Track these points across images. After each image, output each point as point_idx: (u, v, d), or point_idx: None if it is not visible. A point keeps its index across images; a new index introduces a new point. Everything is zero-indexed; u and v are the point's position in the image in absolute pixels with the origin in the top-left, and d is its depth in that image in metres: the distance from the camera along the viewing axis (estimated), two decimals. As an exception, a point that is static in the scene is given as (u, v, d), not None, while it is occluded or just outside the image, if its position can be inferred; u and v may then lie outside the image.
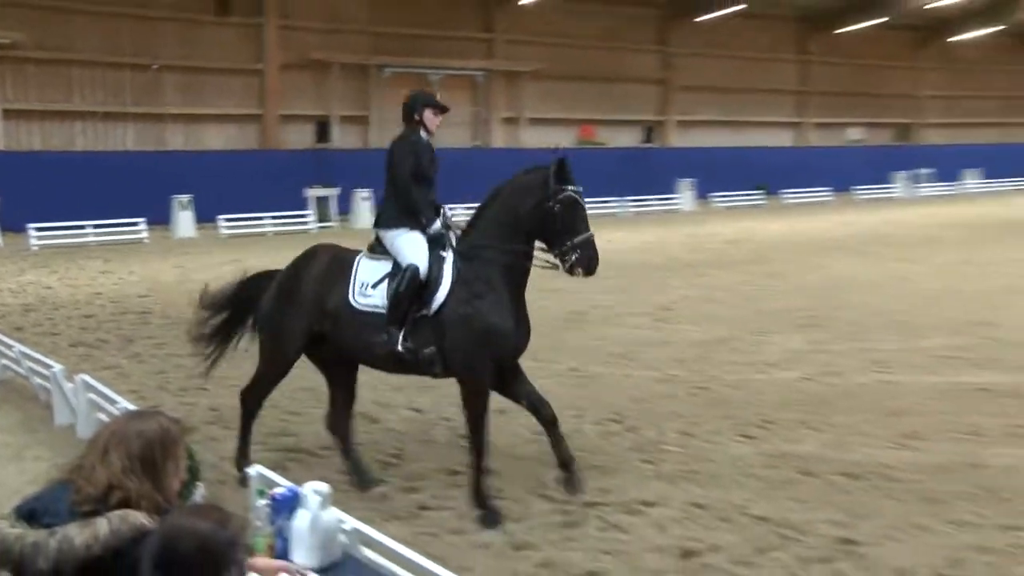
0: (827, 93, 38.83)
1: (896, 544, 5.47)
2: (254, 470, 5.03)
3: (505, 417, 7.13)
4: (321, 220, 25.53)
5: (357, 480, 6.31)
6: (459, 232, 6.12)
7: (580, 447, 6.62)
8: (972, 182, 40.09)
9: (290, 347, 6.25)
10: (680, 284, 15.42)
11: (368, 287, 5.97)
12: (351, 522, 4.38)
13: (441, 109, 6.24)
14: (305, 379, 7.35)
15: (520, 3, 30.49)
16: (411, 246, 5.94)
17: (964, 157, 41.05)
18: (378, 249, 6.11)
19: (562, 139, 32.52)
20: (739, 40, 35.63)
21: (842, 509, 5.97)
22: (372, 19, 29.02)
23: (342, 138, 28.61)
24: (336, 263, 6.18)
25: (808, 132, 38.85)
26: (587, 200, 5.88)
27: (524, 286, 5.96)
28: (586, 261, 5.71)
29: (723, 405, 8.44)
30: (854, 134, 39.53)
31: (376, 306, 5.93)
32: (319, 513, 4.07)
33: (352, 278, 6.03)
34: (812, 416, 8.01)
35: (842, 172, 36.55)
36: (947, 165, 39.86)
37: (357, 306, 5.98)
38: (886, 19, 36.81)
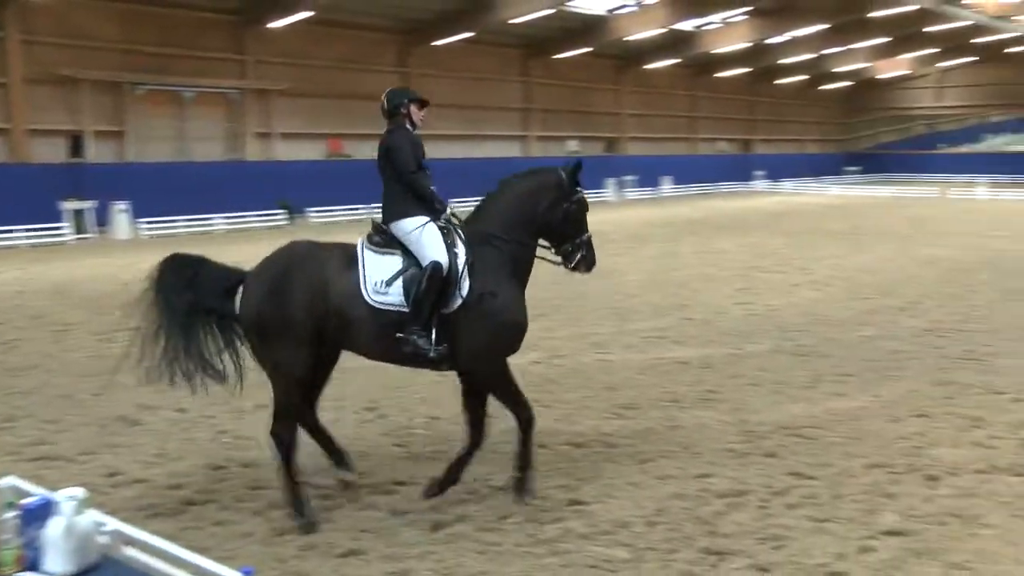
0: (548, 110, 40.54)
1: (615, 500, 5.75)
2: (4, 481, 4.51)
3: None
4: (78, 232, 23.72)
5: (335, 463, 5.80)
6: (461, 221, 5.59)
7: (341, 435, 6.48)
8: (667, 187, 43.21)
9: (306, 351, 5.14)
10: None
11: (382, 284, 5.20)
12: (111, 523, 4.04)
13: (424, 103, 5.74)
14: (60, 387, 6.72)
15: (269, 27, 29.55)
16: (429, 240, 5.30)
17: (660, 166, 44.28)
18: (379, 241, 5.38)
19: (312, 152, 32.08)
20: (471, 63, 36.43)
21: (570, 475, 6.20)
22: (123, 37, 27.06)
23: (98, 153, 26.60)
24: (335, 257, 5.27)
25: (532, 144, 40.34)
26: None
27: (527, 281, 5.61)
28: (591, 259, 5.70)
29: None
30: (572, 146, 41.47)
31: (394, 304, 5.19)
32: (74, 518, 3.71)
33: (360, 273, 5.22)
34: (544, 395, 8.26)
35: (562, 180, 38.28)
36: (647, 173, 42.82)
37: (376, 305, 5.18)
38: (592, 48, 38.95)
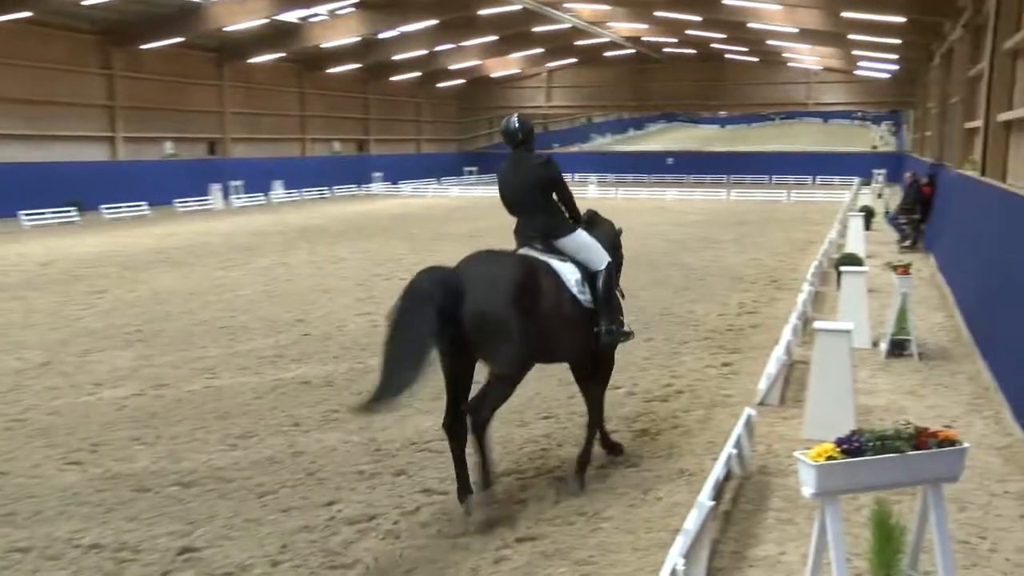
0: (137, 107, 38.06)
1: (232, 542, 5.57)
2: None
3: None
4: None
5: (482, 479, 5.96)
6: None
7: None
8: (278, 193, 42.69)
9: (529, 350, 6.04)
10: (-12, 312, 13.85)
11: (581, 284, 6.39)
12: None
13: None
14: None
15: None
16: (596, 246, 6.60)
17: (270, 169, 43.67)
18: (548, 250, 6.46)
19: None
20: (36, 49, 33.14)
21: (179, 519, 5.91)
22: None
23: None
24: (538, 265, 6.29)
25: (121, 146, 37.71)
26: None
27: None
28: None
29: (45, 435, 7.80)
30: (168, 148, 39.44)
31: (590, 301, 6.43)
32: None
33: (564, 278, 6.32)
34: (144, 431, 7.81)
35: (160, 185, 36.39)
36: (256, 177, 41.97)
37: (586, 304, 6.39)
38: (184, 39, 37.39)
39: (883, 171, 48.15)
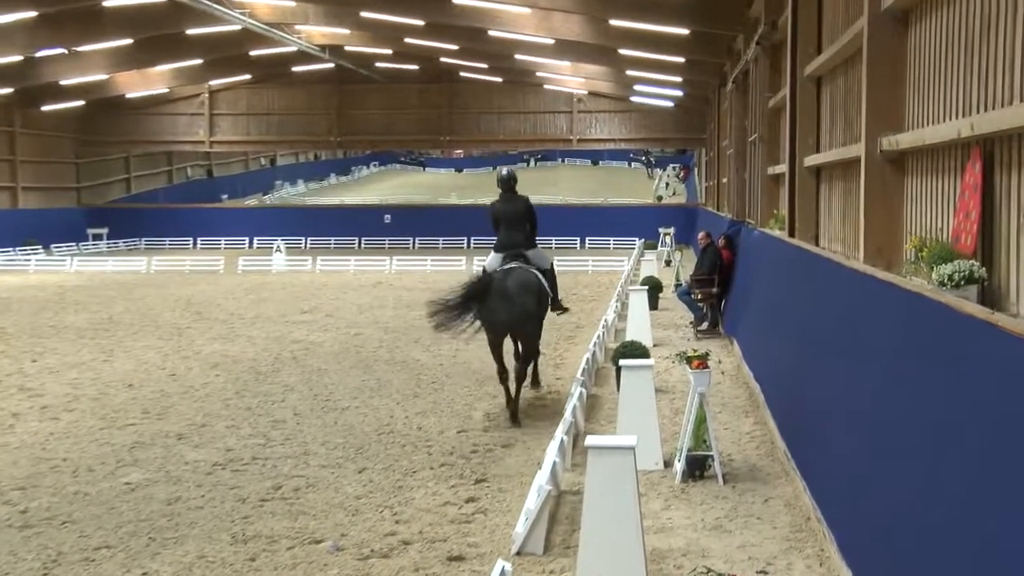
0: None
1: None
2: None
3: None
4: None
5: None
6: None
7: None
8: None
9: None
10: None
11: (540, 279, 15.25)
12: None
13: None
14: None
15: None
16: (545, 254, 16.09)
17: None
18: (517, 261, 15.10)
19: None
20: None
21: None
22: None
23: None
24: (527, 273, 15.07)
25: None
26: None
27: None
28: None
29: None
30: None
31: (550, 295, 15.71)
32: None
33: (542, 280, 15.31)
34: None
35: None
36: None
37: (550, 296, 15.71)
38: None
39: (671, 230, 50.60)
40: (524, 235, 15.35)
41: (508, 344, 15.13)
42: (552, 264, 15.92)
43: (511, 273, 14.57)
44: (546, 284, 15.15)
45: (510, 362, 15.04)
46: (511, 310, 14.29)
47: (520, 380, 14.67)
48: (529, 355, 15.29)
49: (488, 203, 16.66)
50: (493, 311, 14.28)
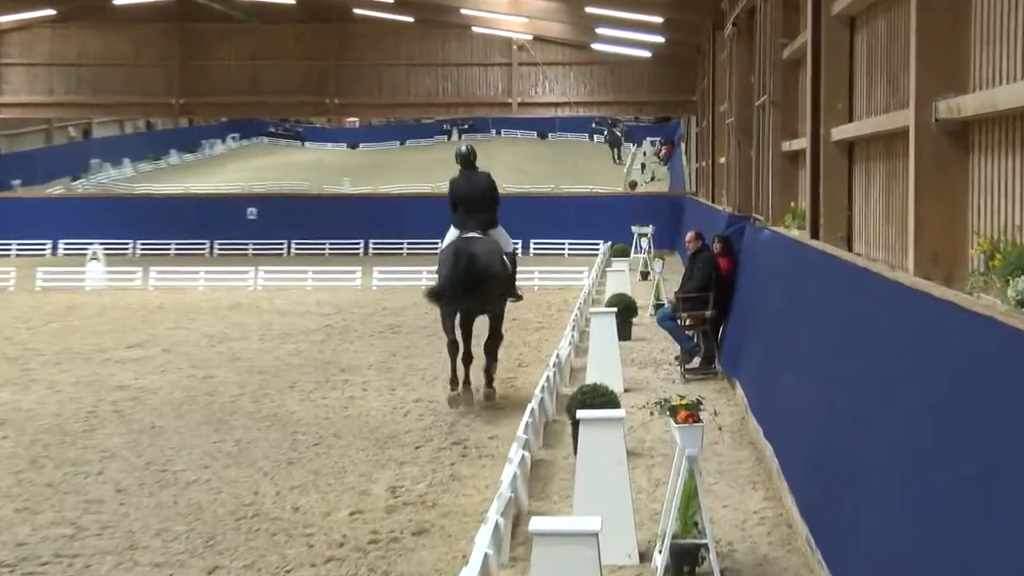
0: None
1: None
2: None
3: None
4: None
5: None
6: None
7: None
8: None
9: None
10: None
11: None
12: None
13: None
14: None
15: None
16: (507, 236, 21.35)
17: None
18: (479, 233, 20.00)
19: None
20: None
21: None
22: None
23: None
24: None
25: None
26: None
27: None
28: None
29: None
30: None
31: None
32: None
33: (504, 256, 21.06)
34: None
35: None
36: None
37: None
38: None
39: (649, 229, 50.11)
40: (486, 214, 20.16)
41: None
42: (514, 249, 21.36)
43: (475, 240, 19.54)
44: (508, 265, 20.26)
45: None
46: (480, 272, 19.07)
47: (490, 355, 20.40)
48: (494, 335, 20.48)
49: (448, 181, 21.52)
50: (459, 272, 19.03)
